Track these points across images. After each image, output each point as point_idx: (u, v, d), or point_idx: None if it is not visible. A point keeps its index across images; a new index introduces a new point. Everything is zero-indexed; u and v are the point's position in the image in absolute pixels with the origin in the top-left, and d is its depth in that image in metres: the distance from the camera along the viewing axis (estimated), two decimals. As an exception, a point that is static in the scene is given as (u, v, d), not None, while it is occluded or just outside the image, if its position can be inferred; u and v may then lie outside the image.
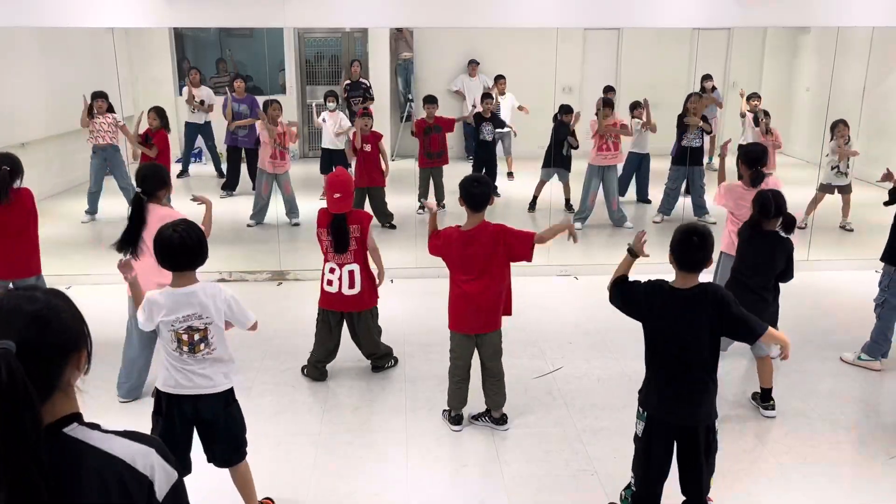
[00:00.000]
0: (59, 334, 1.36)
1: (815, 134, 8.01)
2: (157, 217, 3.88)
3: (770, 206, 4.19)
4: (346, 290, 4.50)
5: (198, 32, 11.67)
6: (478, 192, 3.86)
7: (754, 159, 4.91)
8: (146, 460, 1.40)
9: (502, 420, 4.19)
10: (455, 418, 4.19)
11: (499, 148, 9.74)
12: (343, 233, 4.44)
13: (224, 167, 9.53)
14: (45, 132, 8.38)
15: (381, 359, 4.88)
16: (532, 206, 8.74)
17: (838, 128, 7.73)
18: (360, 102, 9.94)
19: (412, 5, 6.40)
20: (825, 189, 7.95)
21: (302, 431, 4.17)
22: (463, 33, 10.41)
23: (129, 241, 3.95)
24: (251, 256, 7.21)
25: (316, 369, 4.76)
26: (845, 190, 7.93)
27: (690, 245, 2.97)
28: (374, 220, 4.82)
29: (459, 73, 11.05)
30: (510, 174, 10.04)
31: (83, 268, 6.59)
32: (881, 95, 9.11)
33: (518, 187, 9.35)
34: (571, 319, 5.75)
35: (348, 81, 10.19)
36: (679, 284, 3.02)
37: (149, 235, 3.70)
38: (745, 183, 4.94)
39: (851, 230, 7.97)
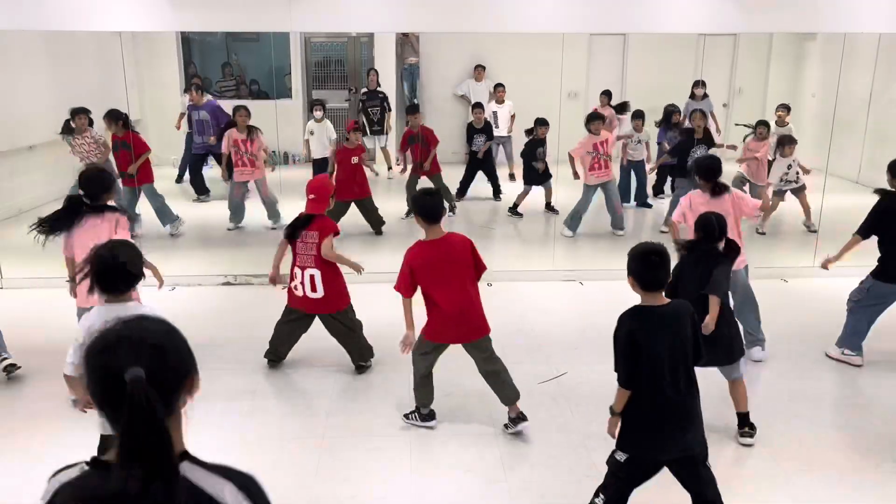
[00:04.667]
0: (177, 361, 1.45)
1: (820, 140, 7.99)
2: (90, 225, 4.08)
3: (714, 230, 4.07)
4: (309, 294, 4.64)
5: (204, 36, 11.72)
6: (430, 203, 3.94)
7: (712, 172, 4.91)
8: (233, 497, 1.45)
9: (519, 419, 4.12)
10: (428, 415, 4.23)
11: (501, 154, 9.80)
12: (295, 227, 4.64)
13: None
14: (53, 135, 8.40)
15: (363, 356, 4.94)
16: (514, 209, 8.84)
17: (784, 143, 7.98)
18: (378, 112, 10.05)
19: (418, 10, 6.41)
20: (777, 195, 8.10)
21: (305, 435, 4.17)
22: (469, 38, 10.43)
23: (48, 229, 4.09)
24: (256, 260, 7.20)
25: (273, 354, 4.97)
26: (798, 192, 8.08)
27: (651, 264, 2.97)
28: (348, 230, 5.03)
29: (465, 78, 11.07)
30: (512, 175, 10.10)
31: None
32: (887, 102, 9.09)
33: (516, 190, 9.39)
34: (576, 325, 5.74)
35: (365, 90, 10.25)
36: (653, 302, 3.02)
37: (80, 247, 3.90)
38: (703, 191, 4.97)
39: (815, 231, 7.89)
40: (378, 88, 10.26)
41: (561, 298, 6.43)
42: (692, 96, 9.65)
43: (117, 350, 1.37)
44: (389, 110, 10.28)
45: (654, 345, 2.95)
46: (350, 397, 4.61)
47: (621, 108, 9.37)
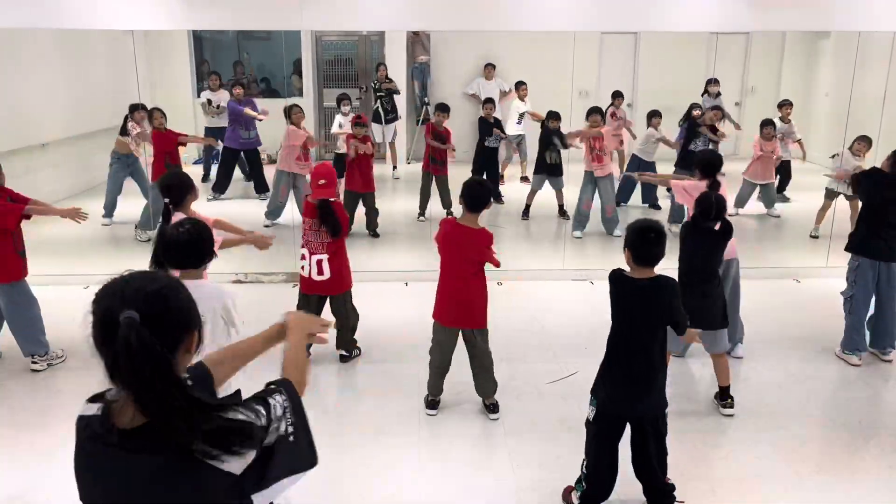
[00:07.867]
0: (177, 312, 1.43)
1: (834, 140, 7.93)
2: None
3: (710, 210, 4.19)
4: (315, 277, 4.75)
5: (216, 35, 11.77)
6: (474, 192, 4.08)
7: (712, 167, 4.92)
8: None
9: (493, 408, 4.34)
10: (431, 403, 4.37)
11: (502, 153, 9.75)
12: (333, 216, 4.66)
13: (215, 168, 9.59)
14: (65, 133, 8.46)
15: (350, 346, 5.01)
16: (525, 213, 8.74)
17: (857, 144, 7.68)
18: (390, 101, 10.12)
19: (429, 8, 6.41)
20: (830, 195, 7.92)
21: (315, 433, 4.17)
22: (479, 37, 10.42)
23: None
24: (267, 258, 7.19)
25: None
26: (852, 197, 7.84)
27: (647, 240, 3.14)
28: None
29: (475, 77, 11.05)
30: (525, 178, 10.03)
31: (101, 268, 6.62)
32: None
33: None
34: (586, 324, 5.71)
35: (376, 83, 10.29)
36: (637, 275, 3.20)
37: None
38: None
39: None
40: (387, 79, 10.31)
41: (571, 298, 6.41)
42: (706, 93, 9.57)
43: (117, 295, 1.38)
44: (398, 93, 10.36)
45: (629, 311, 3.17)
46: (359, 395, 4.61)
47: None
